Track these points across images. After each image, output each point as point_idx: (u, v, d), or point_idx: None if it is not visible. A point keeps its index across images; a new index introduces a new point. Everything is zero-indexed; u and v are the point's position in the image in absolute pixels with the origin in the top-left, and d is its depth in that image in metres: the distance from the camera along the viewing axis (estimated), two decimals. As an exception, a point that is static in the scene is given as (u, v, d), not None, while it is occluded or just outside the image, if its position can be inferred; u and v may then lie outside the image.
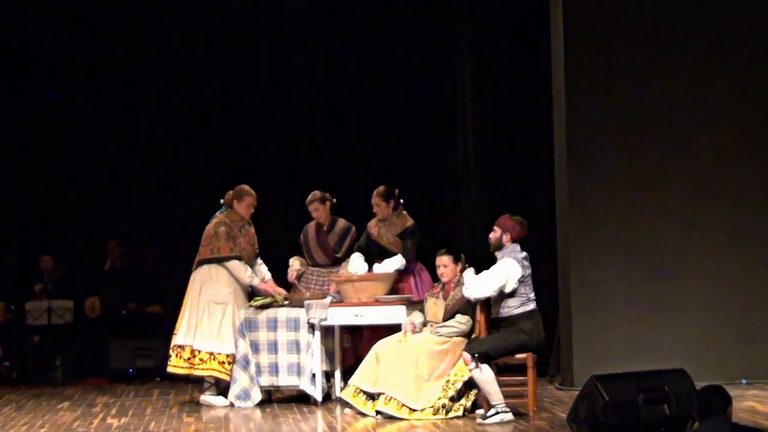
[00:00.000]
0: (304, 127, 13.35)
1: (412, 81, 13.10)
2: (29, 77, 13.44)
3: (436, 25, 12.94)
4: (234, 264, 10.31)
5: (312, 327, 10.08)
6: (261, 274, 10.53)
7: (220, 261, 10.30)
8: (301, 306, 10.15)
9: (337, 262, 10.73)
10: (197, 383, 10.70)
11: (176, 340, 10.25)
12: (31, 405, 10.75)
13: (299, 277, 10.76)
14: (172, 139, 13.47)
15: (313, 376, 10.08)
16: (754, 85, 10.81)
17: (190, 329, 10.20)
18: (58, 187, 13.59)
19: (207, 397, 10.24)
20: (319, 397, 10.07)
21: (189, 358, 10.17)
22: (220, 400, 10.18)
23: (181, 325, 10.26)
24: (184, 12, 13.21)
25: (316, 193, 10.77)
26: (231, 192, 10.51)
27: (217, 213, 10.52)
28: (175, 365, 10.24)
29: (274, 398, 10.42)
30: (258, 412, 9.86)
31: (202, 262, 10.37)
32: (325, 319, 10.04)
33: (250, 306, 10.25)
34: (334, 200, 10.82)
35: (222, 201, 10.52)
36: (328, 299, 10.16)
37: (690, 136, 10.77)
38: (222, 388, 10.26)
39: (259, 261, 10.63)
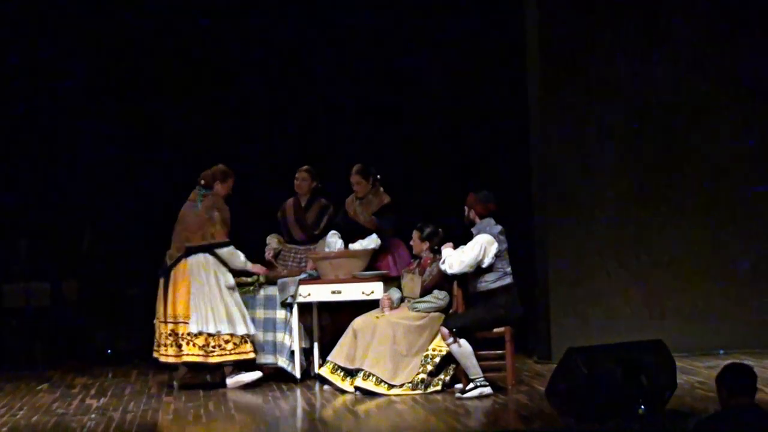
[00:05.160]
0: (286, 109, 13.29)
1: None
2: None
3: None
4: (230, 250, 10.08)
5: (290, 305, 10.08)
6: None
7: (214, 248, 10.03)
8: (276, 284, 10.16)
9: (315, 239, 10.72)
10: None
11: (194, 328, 9.86)
12: (10, 387, 10.71)
13: (277, 255, 10.76)
14: (148, 115, 13.38)
15: (292, 353, 10.08)
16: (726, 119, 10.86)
17: (210, 316, 9.85)
18: (32, 169, 13.52)
19: (241, 377, 9.96)
20: (297, 375, 10.07)
21: (204, 346, 9.87)
22: (253, 374, 9.97)
23: (197, 313, 9.87)
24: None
25: (308, 166, 10.80)
26: (210, 172, 10.25)
27: (201, 195, 10.19)
28: (189, 353, 9.89)
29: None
30: (237, 391, 9.85)
31: (194, 250, 10.05)
32: (294, 296, 10.03)
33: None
34: (319, 185, 10.81)
35: (203, 182, 10.25)
36: (298, 277, 10.16)
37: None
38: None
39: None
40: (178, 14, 13.08)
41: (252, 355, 9.97)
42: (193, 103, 13.23)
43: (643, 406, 7.24)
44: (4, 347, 12.95)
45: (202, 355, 9.90)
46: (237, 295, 10.07)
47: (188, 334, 9.91)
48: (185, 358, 9.94)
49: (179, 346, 9.94)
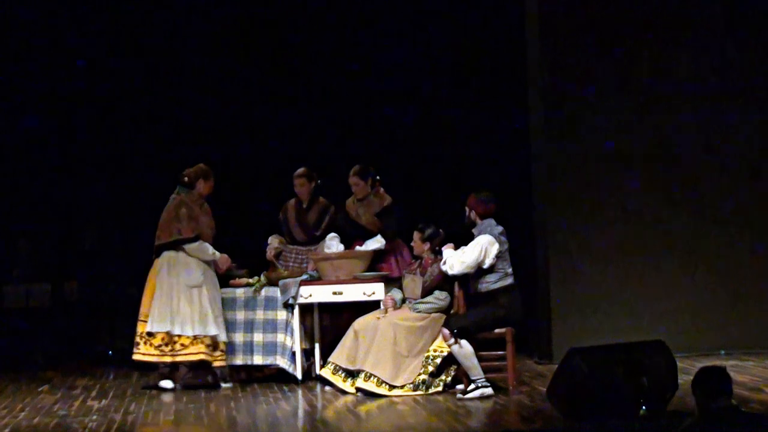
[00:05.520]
0: (287, 109, 13.29)
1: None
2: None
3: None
4: (195, 246, 10.08)
5: (291, 306, 10.08)
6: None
7: (181, 243, 10.06)
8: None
9: (316, 240, 10.71)
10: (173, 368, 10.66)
11: (148, 327, 9.99)
12: (11, 389, 10.70)
13: (278, 255, 10.75)
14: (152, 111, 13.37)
15: (293, 354, 10.08)
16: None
17: (164, 316, 9.96)
18: (32, 169, 13.51)
19: (161, 381, 10.13)
20: (299, 376, 10.08)
21: (159, 346, 9.99)
22: (166, 383, 10.08)
23: (152, 312, 10.01)
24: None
25: (304, 169, 10.77)
26: (194, 170, 10.26)
27: (176, 193, 10.24)
28: (145, 353, 10.04)
29: (254, 377, 10.42)
30: (238, 392, 9.85)
31: (164, 247, 10.13)
32: (295, 297, 10.03)
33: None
34: (319, 181, 10.80)
35: (186, 179, 10.24)
36: (299, 278, 10.15)
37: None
38: (201, 370, 10.14)
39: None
40: (181, 15, 13.09)
41: (201, 357, 10.00)
42: (194, 104, 13.24)
43: (643, 407, 7.25)
44: (4, 347, 12.95)
45: (158, 355, 10.04)
46: (203, 294, 10.06)
47: (147, 333, 10.04)
48: (139, 357, 10.09)
49: (137, 344, 10.10)
